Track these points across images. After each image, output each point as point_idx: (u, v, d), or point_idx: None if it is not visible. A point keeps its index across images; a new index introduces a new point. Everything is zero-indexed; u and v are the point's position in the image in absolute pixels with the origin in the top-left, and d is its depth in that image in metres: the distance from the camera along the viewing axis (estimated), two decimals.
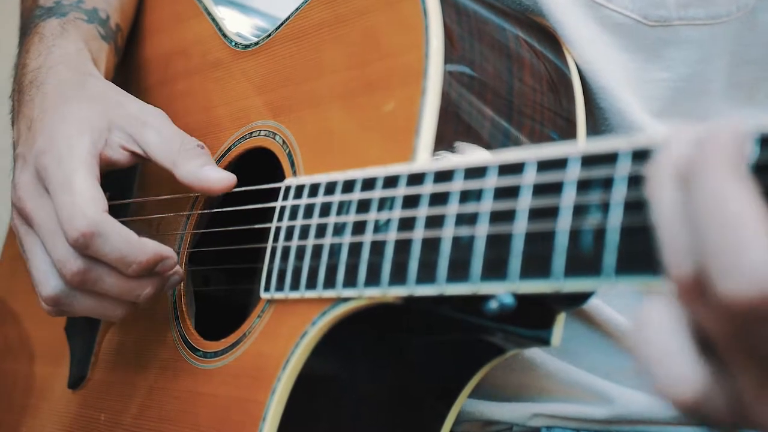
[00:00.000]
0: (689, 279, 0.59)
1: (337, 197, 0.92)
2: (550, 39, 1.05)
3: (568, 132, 1.00)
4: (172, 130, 1.12)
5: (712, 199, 0.57)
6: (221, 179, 1.09)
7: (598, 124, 1.07)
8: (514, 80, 0.97)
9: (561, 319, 0.88)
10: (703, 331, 0.60)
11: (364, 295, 0.88)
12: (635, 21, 1.06)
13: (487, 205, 0.78)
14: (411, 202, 0.85)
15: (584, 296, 0.85)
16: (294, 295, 0.95)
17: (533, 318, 0.88)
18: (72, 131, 1.09)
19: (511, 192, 0.76)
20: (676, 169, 0.60)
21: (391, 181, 0.88)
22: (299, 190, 0.98)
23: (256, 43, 1.16)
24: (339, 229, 0.91)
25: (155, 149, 1.11)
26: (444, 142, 0.90)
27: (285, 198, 0.99)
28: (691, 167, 0.59)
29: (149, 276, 1.06)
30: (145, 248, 1.04)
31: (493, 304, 0.79)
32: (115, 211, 1.14)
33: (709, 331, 0.60)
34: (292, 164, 1.02)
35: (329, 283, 0.91)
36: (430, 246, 0.82)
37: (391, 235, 0.86)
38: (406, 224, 0.84)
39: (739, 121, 0.59)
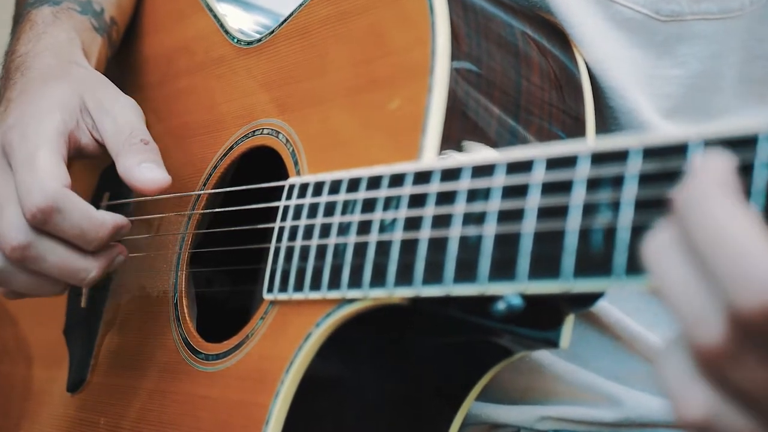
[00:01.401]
0: (724, 334, 0.56)
1: (341, 196, 0.91)
2: (559, 36, 1.04)
3: (576, 131, 0.99)
4: (127, 120, 1.09)
5: (714, 230, 0.56)
6: (152, 180, 1.05)
7: (607, 123, 1.06)
8: (521, 78, 0.96)
9: (570, 320, 0.87)
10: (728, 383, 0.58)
11: (370, 296, 0.87)
12: (646, 16, 1.05)
13: (495, 204, 0.77)
14: (417, 201, 0.84)
15: (594, 297, 0.84)
16: (298, 296, 0.94)
17: (542, 319, 0.87)
18: (43, 108, 1.08)
19: (520, 191, 0.76)
20: (669, 235, 0.59)
21: (397, 180, 0.86)
22: (303, 189, 0.96)
23: (259, 40, 1.15)
24: (344, 229, 0.90)
25: (107, 139, 1.09)
26: (451, 140, 0.89)
27: (288, 197, 0.98)
28: (681, 212, 0.58)
29: (98, 255, 1.05)
30: (105, 223, 1.03)
31: (500, 306, 0.78)
32: (114, 212, 1.12)
33: (742, 387, 0.57)
34: (296, 163, 1.01)
35: (334, 284, 0.89)
36: (437, 246, 0.81)
37: (397, 235, 0.84)
38: (413, 224, 0.83)
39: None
